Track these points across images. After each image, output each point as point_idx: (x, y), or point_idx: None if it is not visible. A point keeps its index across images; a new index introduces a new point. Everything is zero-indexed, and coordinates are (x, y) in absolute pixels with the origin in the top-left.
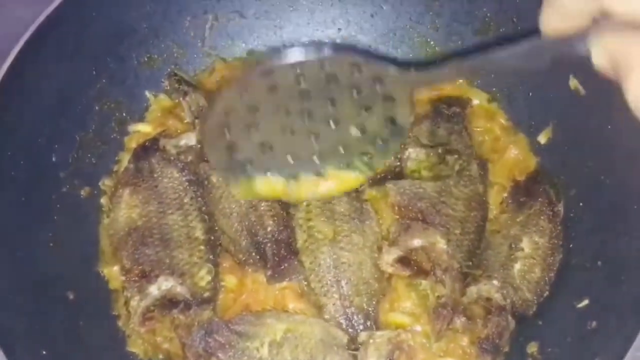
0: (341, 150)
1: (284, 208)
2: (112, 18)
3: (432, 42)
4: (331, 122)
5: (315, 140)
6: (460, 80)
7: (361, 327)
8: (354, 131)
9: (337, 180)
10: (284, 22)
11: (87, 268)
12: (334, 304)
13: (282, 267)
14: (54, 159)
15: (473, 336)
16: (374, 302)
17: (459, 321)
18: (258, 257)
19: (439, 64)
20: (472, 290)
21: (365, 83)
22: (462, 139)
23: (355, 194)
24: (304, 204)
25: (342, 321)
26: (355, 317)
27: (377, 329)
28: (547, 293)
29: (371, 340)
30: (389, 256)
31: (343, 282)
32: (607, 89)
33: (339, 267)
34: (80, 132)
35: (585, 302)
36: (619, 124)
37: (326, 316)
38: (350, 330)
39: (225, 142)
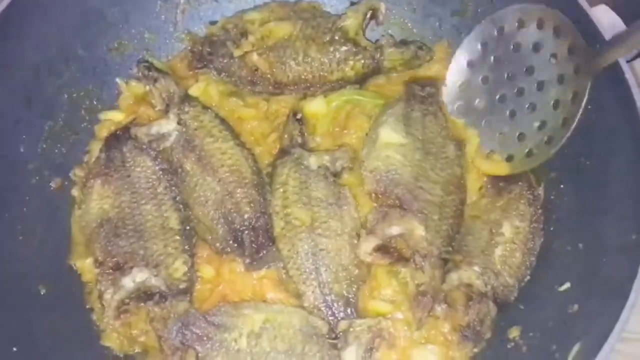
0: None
1: (261, 194)
2: (80, 3)
3: (409, 24)
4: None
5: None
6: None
7: (341, 314)
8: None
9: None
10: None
11: (59, 261)
12: (313, 292)
13: (260, 254)
14: (22, 150)
15: (454, 323)
16: (354, 289)
17: (440, 308)
18: (235, 245)
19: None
20: (453, 276)
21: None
22: (437, 119)
23: (333, 179)
24: (280, 190)
25: (322, 309)
26: (335, 304)
27: (358, 316)
28: (528, 277)
29: (351, 329)
30: (367, 244)
31: (322, 269)
32: None
33: (317, 254)
34: (49, 122)
35: (567, 285)
36: (597, 104)
37: (306, 304)
38: (330, 318)
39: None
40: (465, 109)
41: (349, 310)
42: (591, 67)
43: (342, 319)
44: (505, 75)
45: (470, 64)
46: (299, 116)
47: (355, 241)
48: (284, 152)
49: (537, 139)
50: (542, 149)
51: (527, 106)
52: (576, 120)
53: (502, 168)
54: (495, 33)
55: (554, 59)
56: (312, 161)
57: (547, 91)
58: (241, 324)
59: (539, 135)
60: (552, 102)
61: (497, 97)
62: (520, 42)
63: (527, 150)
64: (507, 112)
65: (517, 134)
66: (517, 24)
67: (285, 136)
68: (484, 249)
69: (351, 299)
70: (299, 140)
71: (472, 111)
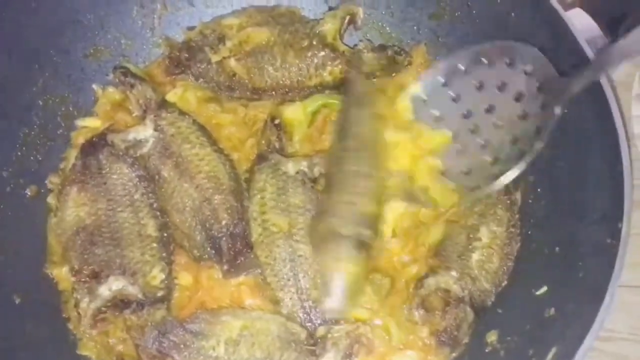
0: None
1: (239, 201)
2: (54, 8)
3: (387, 28)
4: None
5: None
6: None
7: (319, 320)
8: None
9: None
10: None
11: (34, 270)
12: (290, 298)
13: (238, 261)
14: None
15: (432, 328)
16: None
17: (417, 313)
18: (213, 252)
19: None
20: (430, 281)
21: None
22: None
23: (311, 185)
24: (258, 196)
25: (300, 315)
26: (313, 310)
27: (336, 322)
28: (505, 282)
29: (329, 335)
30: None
31: (300, 276)
32: (562, 70)
33: (295, 260)
34: (24, 129)
35: (544, 289)
36: (574, 108)
37: (283, 311)
38: (308, 324)
39: None
40: None
41: (326, 317)
42: (559, 101)
43: (320, 325)
44: (464, 113)
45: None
46: (276, 122)
47: None
48: (261, 158)
49: (486, 174)
50: (490, 182)
51: (482, 143)
52: (533, 156)
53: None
54: (461, 68)
55: (518, 97)
56: (290, 167)
57: (507, 129)
58: (219, 331)
59: (490, 169)
60: (510, 139)
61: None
62: (484, 80)
63: (473, 185)
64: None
65: (465, 169)
66: (484, 61)
67: (263, 142)
68: (461, 254)
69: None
70: (277, 145)
71: None
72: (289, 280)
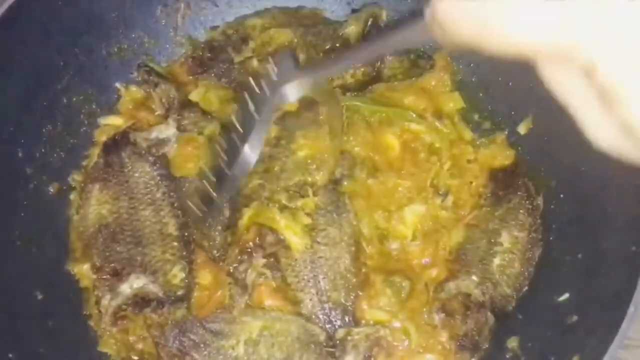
0: None
1: None
2: (80, 7)
3: None
4: None
5: None
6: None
7: (339, 322)
8: None
9: None
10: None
11: (56, 266)
12: (310, 299)
13: None
14: (20, 155)
15: (452, 332)
16: (352, 297)
17: (438, 317)
18: None
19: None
20: (451, 286)
21: None
22: None
23: (332, 187)
24: None
25: (320, 316)
26: (332, 312)
27: (356, 324)
28: (526, 288)
29: (349, 337)
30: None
31: (320, 277)
32: None
33: (315, 261)
34: (48, 126)
35: (566, 295)
36: None
37: (303, 312)
38: (328, 325)
39: None
40: None
41: (346, 319)
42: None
43: (340, 327)
44: None
45: None
46: None
47: (353, 248)
48: None
49: None
50: None
51: None
52: None
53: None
54: None
55: None
56: None
57: None
58: (239, 331)
59: None
60: None
61: None
62: None
63: None
64: None
65: None
66: None
67: None
68: (482, 258)
69: (349, 307)
70: None
71: None
72: (309, 281)
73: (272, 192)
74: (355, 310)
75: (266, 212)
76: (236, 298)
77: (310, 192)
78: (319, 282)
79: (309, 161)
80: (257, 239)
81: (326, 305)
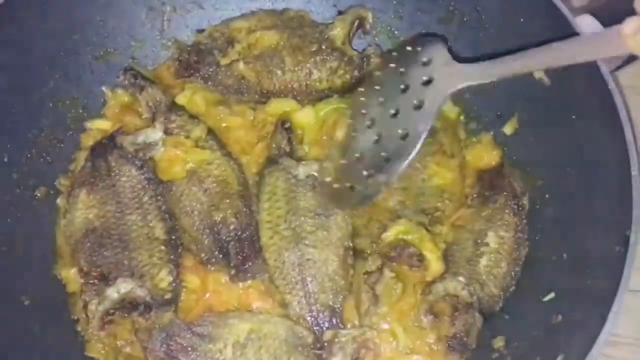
0: None
1: (247, 205)
2: (64, 12)
3: (396, 32)
4: None
5: None
6: None
7: (327, 324)
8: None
9: None
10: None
11: (43, 271)
12: (298, 302)
13: (246, 266)
14: (5, 160)
15: (440, 333)
16: (340, 299)
17: (426, 319)
18: (221, 256)
19: (487, 62)
20: (439, 287)
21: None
22: None
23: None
24: (268, 200)
25: (308, 319)
26: (320, 314)
27: (344, 326)
28: (513, 288)
29: (336, 339)
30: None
31: (308, 279)
32: (571, 78)
33: (303, 264)
34: (34, 131)
35: (551, 295)
36: (583, 115)
37: (291, 313)
38: (315, 327)
39: None
40: None
41: (334, 320)
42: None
43: (328, 328)
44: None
45: None
46: (287, 125)
47: (342, 251)
48: (271, 161)
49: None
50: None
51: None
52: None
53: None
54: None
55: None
56: (301, 171)
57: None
58: (226, 334)
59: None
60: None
61: None
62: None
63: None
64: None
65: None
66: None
67: (273, 145)
68: (469, 259)
69: (337, 309)
70: (287, 149)
71: None
72: (297, 284)
73: (413, 213)
74: (343, 312)
75: (415, 231)
76: (371, 308)
77: (444, 220)
78: (307, 284)
79: (443, 191)
80: (393, 252)
81: (314, 308)
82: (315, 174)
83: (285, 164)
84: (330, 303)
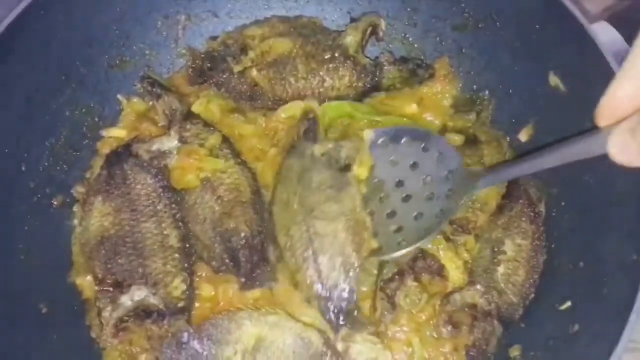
0: None
1: (259, 214)
2: (80, 21)
3: (410, 39)
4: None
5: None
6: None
7: (344, 303)
8: None
9: None
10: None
11: (60, 279)
12: (309, 281)
13: (255, 274)
14: (23, 169)
15: (457, 343)
16: (351, 275)
17: (445, 330)
18: (232, 263)
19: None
20: (456, 297)
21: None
22: None
23: (337, 168)
24: (283, 180)
25: (320, 293)
26: (332, 291)
27: (357, 302)
28: (532, 295)
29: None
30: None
31: (319, 255)
32: (588, 85)
33: (312, 238)
34: (51, 139)
35: (568, 304)
36: None
37: (303, 294)
38: (329, 304)
39: None
40: None
41: (350, 298)
42: (462, 196)
43: (341, 311)
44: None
45: None
46: (311, 116)
47: (353, 224)
48: (291, 147)
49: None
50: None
51: (388, 212)
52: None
53: None
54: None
55: (428, 178)
56: (316, 149)
57: (412, 204)
58: (235, 339)
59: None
60: (414, 214)
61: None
62: (398, 160)
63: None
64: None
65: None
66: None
67: (295, 135)
68: (486, 267)
69: (349, 287)
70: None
71: None
72: (306, 260)
73: None
74: (355, 286)
75: (433, 241)
76: (385, 314)
77: (472, 230)
78: (317, 260)
79: (474, 201)
80: (410, 261)
81: (326, 287)
82: (332, 152)
83: (302, 145)
84: (342, 281)
